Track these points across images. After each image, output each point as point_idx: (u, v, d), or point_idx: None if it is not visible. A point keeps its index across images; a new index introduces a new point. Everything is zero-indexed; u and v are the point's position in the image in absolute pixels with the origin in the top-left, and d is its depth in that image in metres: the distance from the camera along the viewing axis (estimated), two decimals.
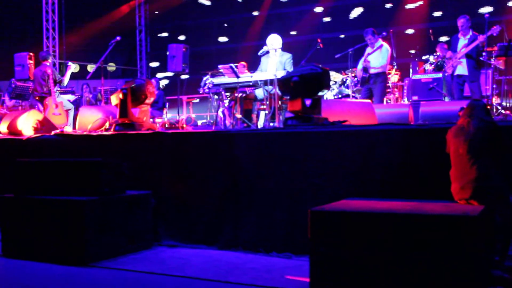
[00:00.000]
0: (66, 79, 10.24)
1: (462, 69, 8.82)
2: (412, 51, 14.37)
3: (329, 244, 3.93)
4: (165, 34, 20.09)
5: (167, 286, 4.37)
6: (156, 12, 19.69)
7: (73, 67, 10.19)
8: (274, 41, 8.59)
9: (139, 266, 4.93)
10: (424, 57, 12.13)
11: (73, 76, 10.32)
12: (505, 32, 9.48)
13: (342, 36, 16.41)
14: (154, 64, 20.16)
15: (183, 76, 10.99)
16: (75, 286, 4.46)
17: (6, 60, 13.68)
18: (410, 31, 15.88)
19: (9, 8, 19.32)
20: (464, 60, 8.77)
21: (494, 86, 9.53)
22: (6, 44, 18.91)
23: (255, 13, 18.17)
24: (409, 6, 15.90)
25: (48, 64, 10.14)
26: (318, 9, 17.26)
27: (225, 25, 19.17)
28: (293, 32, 17.48)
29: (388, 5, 16.29)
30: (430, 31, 13.24)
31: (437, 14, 15.61)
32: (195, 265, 4.99)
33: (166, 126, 10.72)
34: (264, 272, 4.65)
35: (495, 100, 9.49)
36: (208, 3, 18.93)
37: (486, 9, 13.83)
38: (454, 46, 9.01)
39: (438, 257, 3.62)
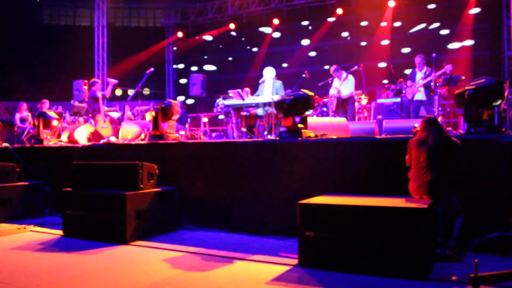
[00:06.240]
0: (108, 93, 10.14)
1: (420, 96, 8.95)
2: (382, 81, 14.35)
3: (313, 229, 3.93)
4: (188, 67, 20.10)
5: (189, 259, 4.37)
6: (181, 50, 19.73)
7: (114, 82, 10.08)
8: (268, 72, 8.59)
9: (167, 244, 4.93)
10: (386, 86, 12.11)
11: (117, 98, 10.32)
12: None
13: (324, 68, 16.40)
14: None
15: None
16: (119, 257, 4.46)
17: (66, 86, 13.76)
18: (378, 65, 15.83)
19: (68, 47, 19.43)
20: (422, 89, 8.88)
21: (440, 108, 9.55)
22: (67, 73, 18.99)
23: (256, 50, 18.25)
24: (376, 46, 15.90)
25: (96, 89, 10.11)
26: (305, 48, 17.32)
27: (230, 59, 19.18)
28: (286, 65, 17.49)
29: (363, 43, 16.32)
30: (391, 66, 13.23)
31: (397, 53, 15.59)
32: (210, 244, 4.98)
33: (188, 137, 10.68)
34: (263, 250, 4.65)
35: (440, 119, 9.50)
36: (220, 44, 19.01)
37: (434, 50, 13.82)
38: (413, 78, 9.16)
39: (397, 238, 3.62)
